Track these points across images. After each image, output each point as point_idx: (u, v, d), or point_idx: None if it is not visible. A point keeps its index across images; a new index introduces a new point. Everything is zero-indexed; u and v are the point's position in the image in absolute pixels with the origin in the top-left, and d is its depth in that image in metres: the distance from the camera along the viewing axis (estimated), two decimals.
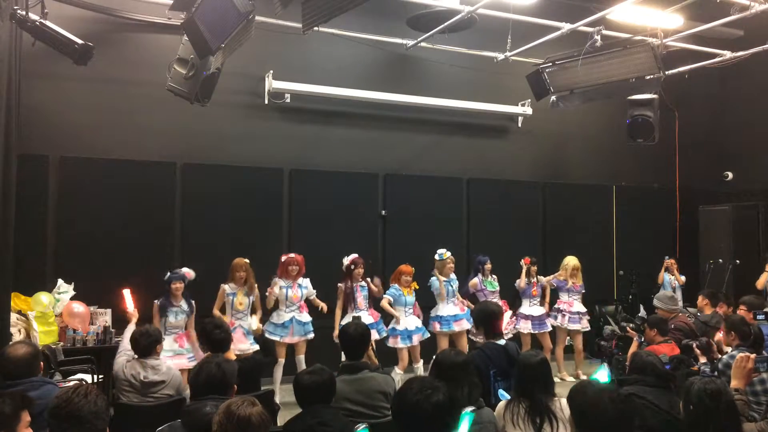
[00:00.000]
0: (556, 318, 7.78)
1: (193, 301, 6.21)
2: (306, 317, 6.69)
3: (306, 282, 6.76)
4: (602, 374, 3.31)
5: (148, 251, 6.82)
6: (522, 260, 7.74)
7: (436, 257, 7.21)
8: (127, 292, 5.75)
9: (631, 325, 6.46)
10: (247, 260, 6.51)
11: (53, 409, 2.55)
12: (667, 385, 3.58)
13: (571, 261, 7.83)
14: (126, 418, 3.92)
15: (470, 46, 8.08)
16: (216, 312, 6.34)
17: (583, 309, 7.79)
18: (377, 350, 6.74)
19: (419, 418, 2.39)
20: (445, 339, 7.06)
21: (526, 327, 7.64)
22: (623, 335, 6.57)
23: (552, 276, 7.95)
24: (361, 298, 6.82)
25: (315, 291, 6.81)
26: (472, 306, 6.49)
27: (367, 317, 6.73)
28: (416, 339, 6.89)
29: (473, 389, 3.20)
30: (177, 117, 7.01)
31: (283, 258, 6.71)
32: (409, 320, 6.91)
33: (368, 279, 6.94)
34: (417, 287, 7.02)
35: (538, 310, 7.72)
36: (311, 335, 6.69)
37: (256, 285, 6.51)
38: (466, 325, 7.08)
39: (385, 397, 3.81)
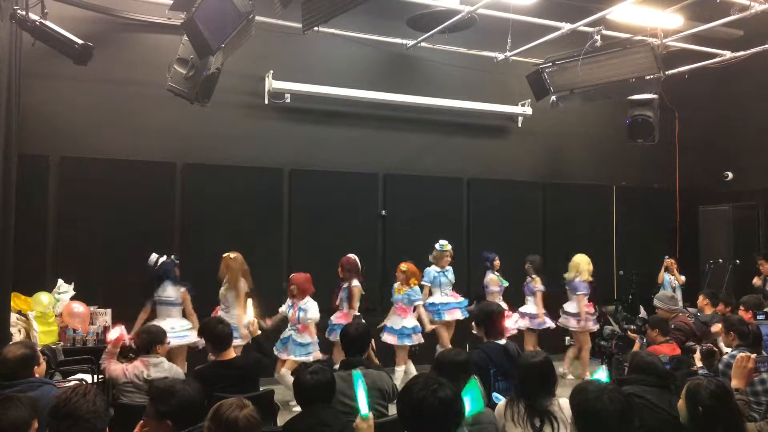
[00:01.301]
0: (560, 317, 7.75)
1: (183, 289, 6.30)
2: (305, 339, 6.22)
3: (308, 306, 6.26)
4: (602, 374, 3.31)
5: (148, 251, 6.80)
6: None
7: (437, 247, 7.26)
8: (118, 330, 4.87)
9: (632, 327, 6.45)
10: (232, 255, 6.36)
11: (52, 409, 2.56)
12: (667, 385, 3.58)
13: (582, 261, 7.69)
14: (126, 418, 3.92)
15: (470, 46, 8.07)
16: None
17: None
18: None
19: (425, 413, 2.38)
20: (443, 329, 7.08)
21: (524, 324, 7.62)
22: (623, 335, 6.57)
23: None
24: (337, 299, 6.74)
25: (318, 317, 6.31)
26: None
27: (338, 318, 6.64)
28: (391, 340, 6.77)
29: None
30: (177, 117, 7.00)
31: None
32: (392, 320, 6.86)
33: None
34: (416, 283, 6.94)
35: (534, 309, 7.66)
36: (309, 357, 6.17)
37: (242, 281, 6.32)
38: (458, 315, 7.13)
39: (380, 393, 3.81)
